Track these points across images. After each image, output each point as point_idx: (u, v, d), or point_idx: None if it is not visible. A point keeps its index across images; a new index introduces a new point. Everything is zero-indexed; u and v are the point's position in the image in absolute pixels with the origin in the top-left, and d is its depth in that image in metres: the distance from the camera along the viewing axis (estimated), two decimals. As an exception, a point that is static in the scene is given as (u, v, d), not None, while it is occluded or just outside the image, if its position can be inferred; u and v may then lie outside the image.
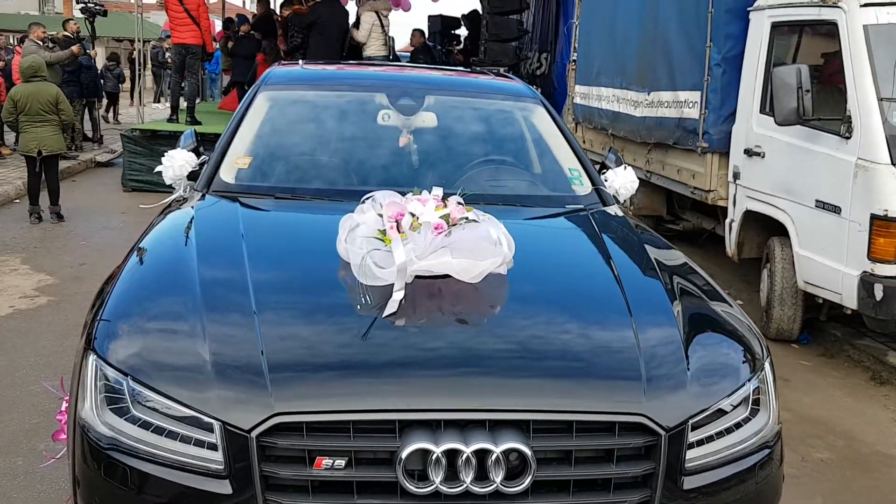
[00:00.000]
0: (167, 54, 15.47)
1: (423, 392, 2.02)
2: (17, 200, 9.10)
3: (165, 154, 3.59)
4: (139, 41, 11.93)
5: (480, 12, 12.83)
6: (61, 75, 12.10)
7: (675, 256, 3.00)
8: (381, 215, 2.45)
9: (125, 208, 8.98)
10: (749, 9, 5.79)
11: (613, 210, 3.34)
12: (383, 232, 2.39)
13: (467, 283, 2.33)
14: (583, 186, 3.45)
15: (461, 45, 16.09)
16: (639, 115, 7.17)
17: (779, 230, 5.41)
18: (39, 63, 8.16)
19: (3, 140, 11.96)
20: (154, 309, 2.28)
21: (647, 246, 2.94)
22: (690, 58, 6.28)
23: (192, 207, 3.04)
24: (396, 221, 2.41)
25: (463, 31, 16.25)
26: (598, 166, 3.73)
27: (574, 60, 9.56)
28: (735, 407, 2.21)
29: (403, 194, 2.58)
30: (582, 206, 3.29)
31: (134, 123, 11.38)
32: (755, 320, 2.92)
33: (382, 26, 11.16)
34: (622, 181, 3.61)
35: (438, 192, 2.59)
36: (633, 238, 3.05)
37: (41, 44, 11.40)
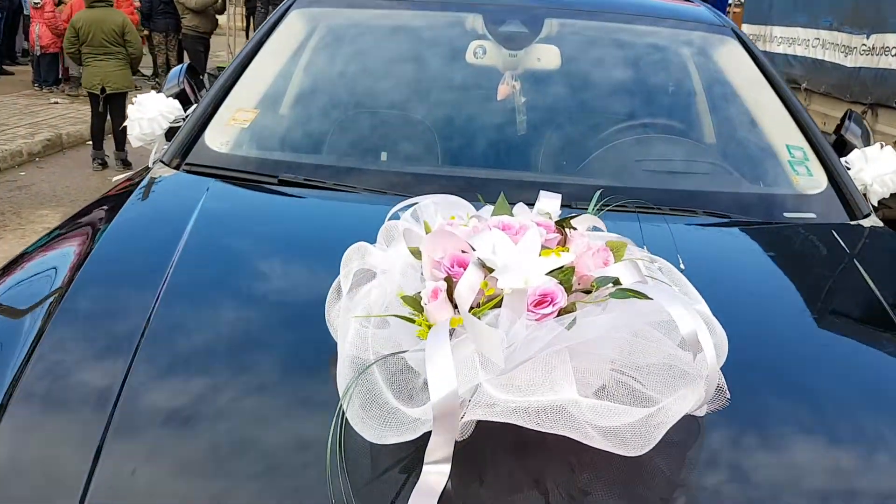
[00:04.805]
0: None
1: None
2: (91, 142, 8.28)
3: (134, 100, 2.34)
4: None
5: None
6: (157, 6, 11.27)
7: None
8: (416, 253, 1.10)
9: (203, 156, 7.97)
10: None
11: (870, 223, 1.87)
12: (418, 303, 1.03)
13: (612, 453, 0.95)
14: (811, 178, 1.97)
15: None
16: (850, 64, 5.50)
17: None
18: (104, -14, 7.15)
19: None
20: None
21: None
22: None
23: (133, 193, 1.80)
24: (447, 280, 1.03)
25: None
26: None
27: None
28: None
29: (476, 201, 1.24)
30: (814, 216, 1.83)
31: (222, 61, 10.37)
32: None
33: None
34: (878, 171, 2.07)
35: (553, 203, 1.23)
36: None
37: None
